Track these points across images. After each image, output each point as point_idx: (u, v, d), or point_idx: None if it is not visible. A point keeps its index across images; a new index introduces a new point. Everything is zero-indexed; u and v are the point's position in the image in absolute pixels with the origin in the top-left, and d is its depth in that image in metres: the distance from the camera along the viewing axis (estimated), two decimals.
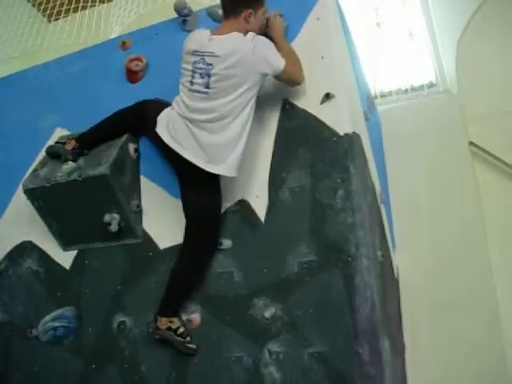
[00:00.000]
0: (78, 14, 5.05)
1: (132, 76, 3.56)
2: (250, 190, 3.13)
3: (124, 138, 3.35)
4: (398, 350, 3.42)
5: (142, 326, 3.23)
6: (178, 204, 3.14)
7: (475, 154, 4.03)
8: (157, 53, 3.56)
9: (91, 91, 3.71)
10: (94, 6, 5.13)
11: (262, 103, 3.16)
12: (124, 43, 3.67)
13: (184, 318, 3.12)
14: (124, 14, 4.43)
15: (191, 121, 2.90)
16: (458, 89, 4.08)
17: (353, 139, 2.97)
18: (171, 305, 3.11)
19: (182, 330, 3.05)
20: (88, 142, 3.32)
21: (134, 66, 3.54)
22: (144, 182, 3.38)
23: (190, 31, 3.43)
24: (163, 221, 3.29)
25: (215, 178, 2.98)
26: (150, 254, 3.29)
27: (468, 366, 3.59)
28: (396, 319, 3.52)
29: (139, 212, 3.35)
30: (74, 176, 3.23)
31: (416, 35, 3.44)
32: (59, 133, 3.71)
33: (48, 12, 5.64)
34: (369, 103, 3.61)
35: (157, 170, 3.33)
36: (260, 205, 3.08)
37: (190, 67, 2.90)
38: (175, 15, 3.50)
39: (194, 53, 2.88)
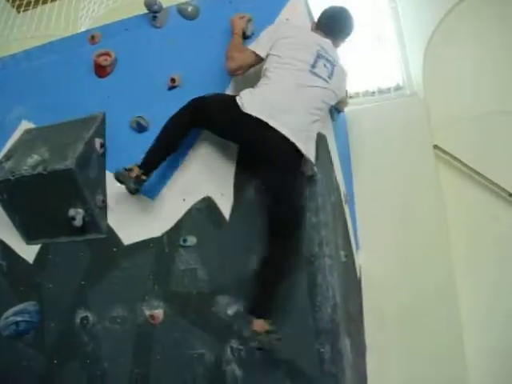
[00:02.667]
0: (47, 6, 5.00)
1: (100, 70, 3.54)
2: (215, 187, 3.13)
3: (90, 132, 3.33)
4: (360, 349, 3.47)
5: (104, 321, 3.24)
6: (143, 200, 3.17)
7: (439, 158, 4.09)
8: (126, 48, 3.53)
9: (59, 84, 3.66)
10: None
11: None
12: (93, 37, 3.63)
13: (147, 313, 3.12)
14: (94, 8, 4.40)
15: (302, 103, 2.85)
16: (424, 92, 4.13)
17: (318, 139, 2.98)
18: (268, 302, 2.81)
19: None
20: (151, 166, 3.04)
21: (102, 60, 3.51)
22: (110, 177, 3.35)
23: (159, 27, 3.46)
24: (128, 217, 3.29)
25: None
26: (114, 249, 3.28)
27: (429, 367, 3.64)
28: (358, 319, 3.56)
29: (104, 207, 3.33)
30: (39, 169, 3.21)
31: (384, 38, 3.48)
32: (25, 125, 3.67)
33: (17, 2, 5.57)
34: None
35: (123, 165, 3.31)
36: (225, 203, 3.09)
37: (313, 51, 2.93)
38: (145, 11, 3.48)
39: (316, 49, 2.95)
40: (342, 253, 3.19)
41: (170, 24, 3.47)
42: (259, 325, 2.70)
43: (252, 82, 2.97)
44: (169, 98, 3.32)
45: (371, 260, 3.45)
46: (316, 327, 2.82)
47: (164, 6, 3.48)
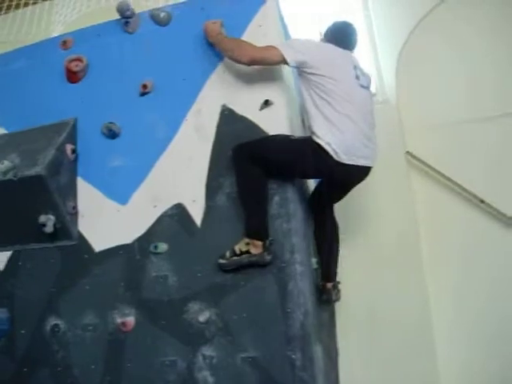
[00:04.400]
0: (19, 11, 4.96)
1: (72, 76, 3.51)
2: (186, 194, 3.13)
3: (62, 137, 3.30)
4: (331, 355, 3.48)
5: (75, 328, 3.20)
6: (113, 207, 3.16)
7: (411, 164, 4.12)
8: (98, 53, 3.51)
9: (30, 90, 3.64)
10: (37, 2, 5.06)
11: (201, 108, 3.18)
12: (65, 42, 3.61)
13: (118, 321, 3.10)
14: (67, 13, 4.36)
15: (364, 121, 3.08)
16: (396, 99, 4.17)
17: None
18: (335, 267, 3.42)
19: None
20: (264, 229, 2.94)
21: (73, 66, 3.49)
22: (81, 183, 3.35)
23: (131, 33, 3.44)
24: (99, 223, 3.27)
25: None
26: (86, 256, 3.26)
27: (400, 370, 3.67)
28: (329, 325, 3.58)
29: (75, 214, 3.31)
30: (10, 176, 3.18)
31: (357, 45, 3.52)
32: None
33: None
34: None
35: (94, 171, 3.31)
36: (196, 209, 3.09)
37: (350, 63, 3.15)
38: (118, 16, 3.47)
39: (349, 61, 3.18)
40: (314, 260, 3.20)
41: (143, 30, 3.47)
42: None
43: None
44: (141, 104, 3.33)
45: (342, 266, 3.46)
46: (287, 334, 2.81)
47: (136, 11, 3.47)
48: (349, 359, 3.64)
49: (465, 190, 3.94)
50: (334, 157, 2.89)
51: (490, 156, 3.98)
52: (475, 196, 3.92)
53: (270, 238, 2.89)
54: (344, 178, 3.08)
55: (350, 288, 3.63)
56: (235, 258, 2.89)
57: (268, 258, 2.85)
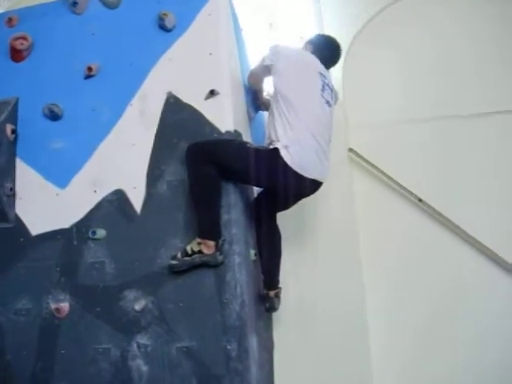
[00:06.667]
0: None
1: (16, 55, 3.43)
2: (127, 180, 3.10)
3: (1, 117, 3.23)
4: (267, 347, 3.50)
5: (8, 313, 3.14)
6: (52, 190, 3.11)
7: (354, 161, 4.17)
8: (43, 33, 3.45)
9: None
10: None
11: (146, 94, 3.15)
12: (10, 20, 3.52)
13: (53, 306, 3.05)
14: None
15: (322, 136, 3.10)
16: (342, 96, 4.19)
17: (234, 137, 3.00)
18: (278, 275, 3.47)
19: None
20: (217, 230, 2.90)
21: (18, 44, 3.41)
22: (19, 165, 3.28)
23: (79, 14, 3.39)
24: (37, 206, 3.21)
25: None
26: (22, 239, 3.20)
27: (334, 367, 3.70)
28: (266, 317, 3.59)
29: (12, 196, 3.24)
30: None
31: (306, 39, 3.53)
32: None
33: None
34: (254, 103, 3.66)
35: (34, 153, 3.24)
36: (137, 196, 3.06)
37: (319, 83, 3.17)
38: None
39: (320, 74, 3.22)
40: (253, 251, 3.21)
41: (91, 12, 3.42)
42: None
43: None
44: (85, 87, 3.28)
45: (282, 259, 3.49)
46: (223, 324, 2.82)
47: None
48: (284, 351, 3.66)
49: (404, 188, 4.00)
50: (292, 166, 2.91)
51: (428, 156, 4.04)
52: (413, 194, 3.98)
53: (223, 238, 2.88)
54: (297, 189, 3.10)
55: (287, 282, 3.64)
56: (187, 258, 2.84)
57: (220, 258, 2.84)
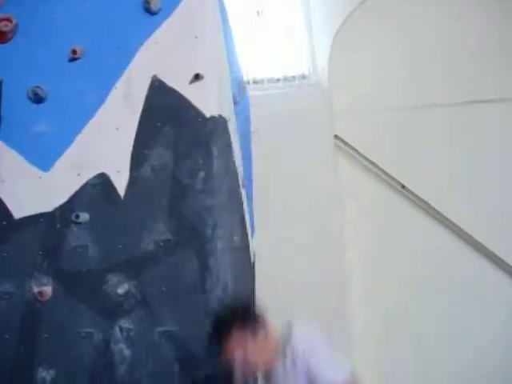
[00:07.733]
0: None
1: (0, 36, 3.40)
2: (111, 164, 3.09)
3: None
4: None
5: None
6: (35, 173, 3.09)
7: (339, 148, 4.17)
8: (28, 15, 3.42)
9: None
10: None
11: (131, 77, 3.13)
12: None
13: (35, 290, 3.04)
14: None
15: None
16: (328, 83, 4.19)
17: (218, 122, 3.01)
18: None
19: None
20: None
21: (2, 25, 3.39)
22: (2, 147, 3.24)
23: None
24: (20, 190, 3.18)
25: None
26: (4, 223, 3.16)
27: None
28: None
29: None
30: None
31: (293, 26, 3.50)
32: None
33: None
34: (240, 87, 3.65)
35: (17, 135, 3.22)
36: (120, 180, 3.05)
37: None
38: None
39: None
40: (236, 237, 3.21)
41: None
42: None
43: None
44: (69, 70, 3.27)
45: (266, 246, 3.48)
46: (205, 309, 2.82)
47: None
48: None
49: (388, 174, 4.02)
50: None
51: (412, 143, 4.06)
52: (397, 181, 4.00)
53: None
54: None
55: (271, 268, 3.64)
56: None
57: None
